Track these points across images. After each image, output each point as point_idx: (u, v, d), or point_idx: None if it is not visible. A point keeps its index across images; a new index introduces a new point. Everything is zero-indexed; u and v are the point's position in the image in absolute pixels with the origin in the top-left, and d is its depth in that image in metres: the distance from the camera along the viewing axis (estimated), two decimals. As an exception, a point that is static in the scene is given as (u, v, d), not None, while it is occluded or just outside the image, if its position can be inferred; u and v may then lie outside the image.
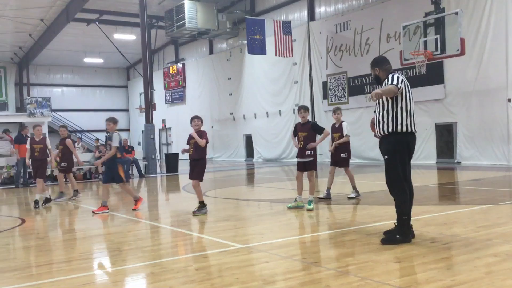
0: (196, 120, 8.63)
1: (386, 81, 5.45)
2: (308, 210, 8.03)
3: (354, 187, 9.37)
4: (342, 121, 9.43)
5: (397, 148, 5.41)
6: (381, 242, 5.36)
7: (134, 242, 6.27)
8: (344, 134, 9.24)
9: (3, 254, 6.05)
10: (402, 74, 5.64)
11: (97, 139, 24.95)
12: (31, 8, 24.43)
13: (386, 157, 5.46)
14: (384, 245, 5.26)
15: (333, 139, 9.40)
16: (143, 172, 18.83)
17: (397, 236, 5.35)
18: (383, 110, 5.43)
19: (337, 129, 9.39)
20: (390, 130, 5.38)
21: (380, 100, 5.47)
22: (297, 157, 8.48)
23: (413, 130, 5.44)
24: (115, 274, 4.89)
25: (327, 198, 9.24)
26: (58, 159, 11.64)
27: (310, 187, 8.27)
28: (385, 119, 5.41)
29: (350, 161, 9.60)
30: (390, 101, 5.38)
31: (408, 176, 5.52)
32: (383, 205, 8.14)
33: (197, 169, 8.46)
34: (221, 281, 4.30)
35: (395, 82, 5.30)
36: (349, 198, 9.25)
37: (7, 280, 4.68)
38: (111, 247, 6.16)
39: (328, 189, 9.35)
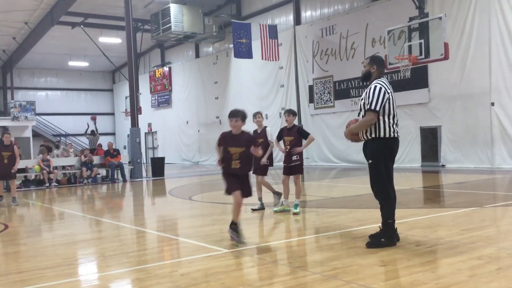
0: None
1: (369, 89, 5.42)
2: (294, 214, 8.03)
3: (260, 199, 8.72)
4: (265, 126, 8.61)
5: (380, 152, 5.46)
6: (366, 245, 5.38)
7: (119, 248, 6.22)
8: (269, 139, 8.39)
9: (-15, 260, 5.96)
10: (386, 79, 5.66)
11: (59, 141, 24.81)
12: (15, 11, 24.17)
13: (370, 161, 5.52)
14: (369, 249, 5.28)
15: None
16: (127, 177, 18.64)
17: (382, 239, 5.38)
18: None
19: (260, 134, 8.40)
20: (373, 135, 5.43)
21: (363, 106, 5.49)
22: (283, 161, 8.42)
23: (396, 135, 5.49)
24: (99, 280, 4.85)
25: (261, 209, 8.67)
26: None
27: (296, 191, 8.26)
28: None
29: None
30: None
31: (391, 179, 5.57)
32: (368, 208, 8.18)
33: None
34: (207, 286, 4.28)
35: (377, 106, 5.27)
36: (253, 209, 8.60)
37: (-11, 287, 4.61)
38: (95, 253, 6.10)
39: (260, 198, 8.69)
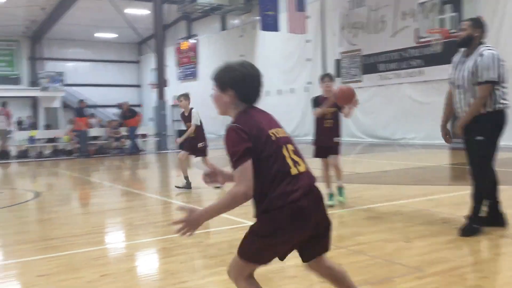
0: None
1: (480, 56, 4.68)
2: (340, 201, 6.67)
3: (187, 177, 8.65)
4: (192, 108, 8.75)
5: (495, 129, 4.79)
6: (461, 234, 4.69)
7: (146, 217, 6.35)
8: (192, 123, 8.56)
9: (18, 226, 6.16)
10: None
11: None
12: (43, -18, 24.33)
13: (480, 138, 4.76)
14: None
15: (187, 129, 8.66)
16: (152, 149, 18.72)
17: (474, 225, 4.74)
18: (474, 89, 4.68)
19: (187, 117, 8.74)
20: (489, 109, 4.72)
21: (469, 76, 4.69)
22: (318, 142, 6.51)
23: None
24: (128, 248, 4.97)
25: (188, 188, 8.50)
26: None
27: (336, 174, 6.59)
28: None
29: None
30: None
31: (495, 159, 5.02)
32: (394, 184, 8.11)
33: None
34: (231, 257, 4.33)
35: (495, 75, 4.60)
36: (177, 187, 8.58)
37: (22, 252, 4.78)
38: (123, 222, 6.24)
39: (186, 177, 8.55)
